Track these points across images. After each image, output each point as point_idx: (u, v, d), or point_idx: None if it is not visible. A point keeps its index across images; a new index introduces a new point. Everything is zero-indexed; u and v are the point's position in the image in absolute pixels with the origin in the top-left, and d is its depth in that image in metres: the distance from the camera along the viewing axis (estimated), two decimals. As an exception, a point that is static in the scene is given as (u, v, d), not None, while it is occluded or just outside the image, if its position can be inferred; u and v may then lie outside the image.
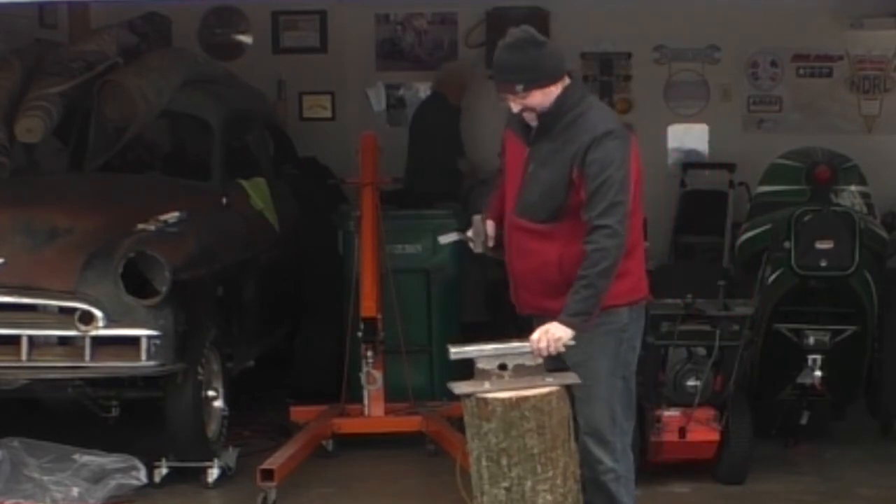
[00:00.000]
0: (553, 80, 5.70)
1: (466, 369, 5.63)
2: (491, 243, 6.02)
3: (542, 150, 5.76)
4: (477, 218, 6.03)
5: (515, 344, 5.57)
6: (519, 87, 5.67)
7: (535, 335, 5.60)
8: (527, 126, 5.81)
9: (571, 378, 5.51)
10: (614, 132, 5.72)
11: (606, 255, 5.61)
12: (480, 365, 5.50)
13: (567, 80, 5.76)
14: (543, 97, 5.69)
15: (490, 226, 6.03)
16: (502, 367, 5.49)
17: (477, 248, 6.00)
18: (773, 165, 9.41)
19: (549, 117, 5.73)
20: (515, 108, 5.74)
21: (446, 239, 6.42)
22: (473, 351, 5.56)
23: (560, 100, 5.72)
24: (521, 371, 5.49)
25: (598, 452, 5.79)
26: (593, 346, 5.75)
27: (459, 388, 5.48)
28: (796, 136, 11.04)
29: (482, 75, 11.96)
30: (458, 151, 11.40)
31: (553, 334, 5.58)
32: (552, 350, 5.55)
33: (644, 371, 7.79)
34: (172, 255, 7.75)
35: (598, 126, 5.70)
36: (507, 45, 5.73)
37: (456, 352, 5.59)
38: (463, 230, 6.22)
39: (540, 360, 5.54)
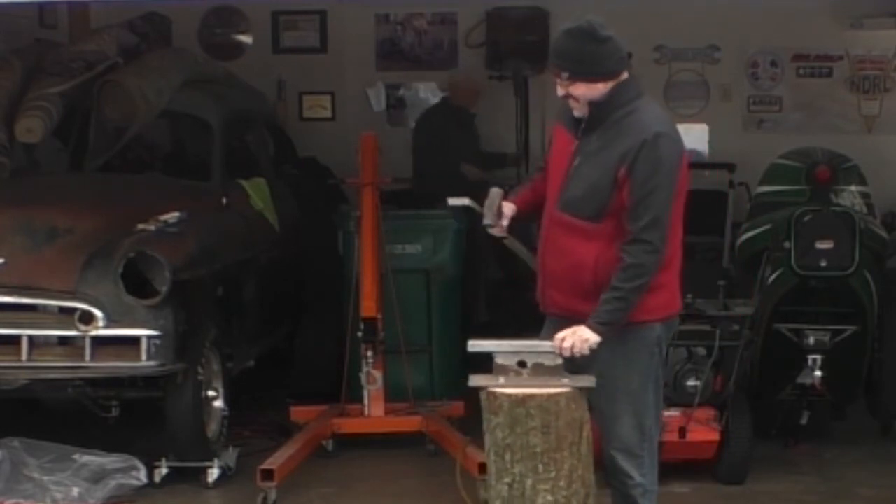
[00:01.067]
0: (602, 78, 5.60)
1: (468, 369, 5.62)
2: (505, 222, 5.83)
3: (591, 144, 5.64)
4: (495, 191, 5.88)
5: (535, 342, 5.55)
6: (564, 75, 5.60)
7: (562, 334, 5.51)
8: (577, 119, 5.70)
9: (588, 381, 5.48)
10: (667, 134, 5.60)
11: (644, 271, 5.53)
12: (499, 360, 5.49)
13: (622, 77, 5.64)
14: (588, 90, 5.59)
15: (508, 207, 5.87)
16: (521, 364, 5.48)
17: (486, 220, 5.81)
18: (773, 165, 9.41)
19: (599, 110, 5.61)
20: (560, 91, 5.66)
21: (456, 201, 6.30)
22: (491, 346, 5.55)
23: (612, 95, 5.61)
24: (540, 370, 5.47)
25: (628, 467, 5.72)
26: (625, 362, 5.66)
27: (474, 380, 5.49)
28: (796, 136, 11.04)
29: (483, 75, 11.99)
30: (465, 157, 11.26)
31: (581, 336, 5.50)
32: (576, 351, 5.50)
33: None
34: (172, 255, 7.75)
35: (650, 126, 5.58)
36: (565, 31, 5.68)
37: (474, 345, 5.58)
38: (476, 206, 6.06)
39: (559, 361, 5.51)
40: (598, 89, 5.61)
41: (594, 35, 5.62)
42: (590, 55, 5.60)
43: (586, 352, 5.51)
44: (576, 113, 5.68)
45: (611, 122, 5.62)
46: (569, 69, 5.59)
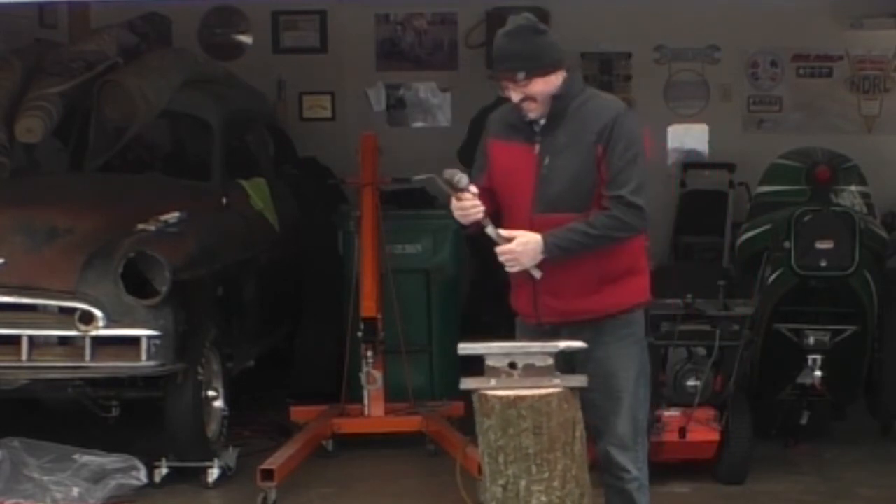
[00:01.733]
0: (555, 68, 5.59)
1: (469, 369, 5.62)
2: (475, 190, 5.59)
3: (557, 139, 5.60)
4: (453, 170, 5.68)
5: (525, 343, 5.55)
6: (521, 75, 5.53)
7: (511, 245, 5.49)
8: (525, 126, 5.66)
9: (579, 381, 5.48)
10: (630, 109, 5.67)
11: (626, 228, 5.54)
12: (490, 362, 5.50)
13: (566, 72, 5.65)
14: (545, 85, 5.56)
15: (473, 187, 5.67)
16: (512, 365, 5.49)
17: (462, 183, 5.56)
18: (773, 165, 9.41)
19: (560, 102, 5.59)
20: (516, 97, 5.59)
21: (421, 177, 6.15)
22: (482, 348, 5.55)
23: (566, 86, 5.61)
24: (531, 371, 5.47)
25: (624, 461, 5.75)
26: (619, 357, 5.68)
27: (466, 383, 5.50)
28: (796, 136, 11.04)
29: (483, 75, 11.97)
30: None
31: (531, 250, 5.48)
32: (514, 258, 5.46)
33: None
34: (172, 255, 7.76)
35: (617, 104, 5.65)
36: (507, 33, 5.59)
37: (464, 348, 5.59)
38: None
39: (550, 361, 5.49)
40: (553, 82, 5.59)
41: (536, 28, 5.61)
42: (539, 48, 5.58)
43: (520, 265, 5.47)
44: (532, 115, 5.62)
45: (572, 113, 5.61)
46: (524, 67, 5.54)
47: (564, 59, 5.66)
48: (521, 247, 5.52)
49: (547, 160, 5.63)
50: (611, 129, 5.54)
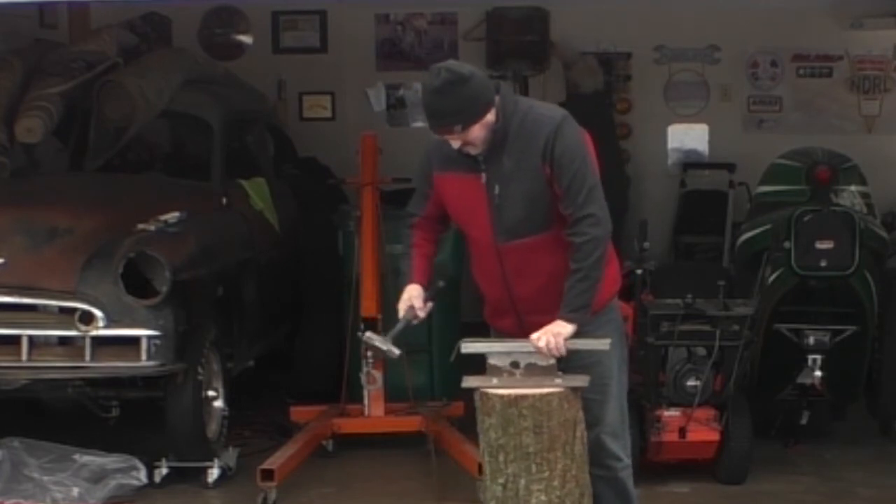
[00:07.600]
0: (488, 109, 5.54)
1: (467, 370, 5.63)
2: (422, 314, 5.76)
3: (503, 165, 5.58)
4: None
5: (527, 342, 5.56)
6: (458, 128, 5.50)
7: (536, 334, 5.49)
8: (465, 155, 5.62)
9: (580, 381, 5.49)
10: (567, 116, 5.62)
11: (597, 244, 5.52)
12: (492, 361, 5.51)
13: (498, 98, 5.60)
14: (482, 128, 5.53)
15: (423, 308, 5.76)
16: (514, 365, 5.50)
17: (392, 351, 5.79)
18: (773, 165, 9.41)
19: (498, 133, 5.56)
20: (456, 144, 5.57)
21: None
22: (484, 347, 5.57)
23: (502, 113, 5.57)
24: (533, 370, 5.49)
25: (616, 449, 5.77)
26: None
27: (468, 381, 5.51)
28: (796, 136, 11.04)
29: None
30: None
31: (553, 330, 5.47)
32: (553, 347, 5.49)
33: (644, 371, 7.81)
34: (172, 255, 7.76)
35: (551, 115, 5.60)
36: (435, 90, 5.54)
37: (467, 346, 5.60)
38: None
39: (552, 361, 5.51)
40: (490, 120, 5.54)
41: (461, 78, 5.54)
42: (469, 99, 5.51)
43: (563, 348, 5.47)
44: (473, 152, 5.60)
45: (512, 136, 5.57)
46: (458, 121, 5.50)
47: (493, 93, 5.58)
48: (542, 335, 5.47)
49: (497, 188, 5.60)
50: (552, 146, 5.51)
